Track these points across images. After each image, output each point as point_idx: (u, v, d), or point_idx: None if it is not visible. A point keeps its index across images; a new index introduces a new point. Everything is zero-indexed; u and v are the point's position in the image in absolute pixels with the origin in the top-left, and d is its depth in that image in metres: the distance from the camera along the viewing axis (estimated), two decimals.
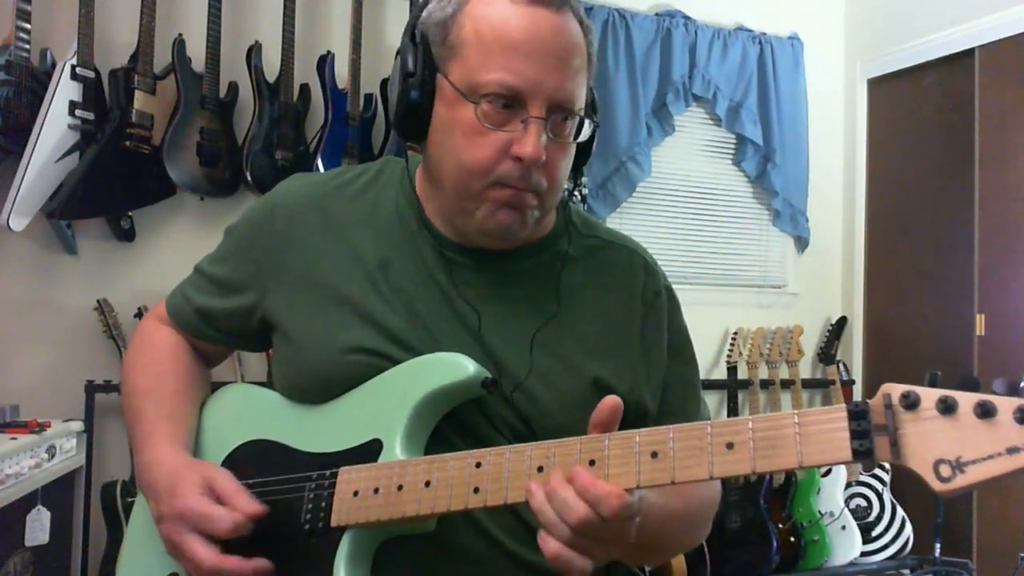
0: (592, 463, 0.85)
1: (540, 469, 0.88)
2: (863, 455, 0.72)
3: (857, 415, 0.73)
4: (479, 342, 1.06)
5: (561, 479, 0.84)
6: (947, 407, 0.69)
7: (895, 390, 0.72)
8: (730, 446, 0.79)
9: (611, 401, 0.87)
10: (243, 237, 1.18)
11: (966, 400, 0.69)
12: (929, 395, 0.71)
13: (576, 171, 1.11)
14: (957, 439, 0.69)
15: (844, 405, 0.74)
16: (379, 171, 1.18)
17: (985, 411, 0.67)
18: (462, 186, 1.02)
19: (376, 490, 0.95)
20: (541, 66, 0.99)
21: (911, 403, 0.71)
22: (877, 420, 0.73)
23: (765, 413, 3.95)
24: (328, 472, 1.01)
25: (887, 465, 3.70)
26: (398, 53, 1.06)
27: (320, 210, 1.13)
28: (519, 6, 0.99)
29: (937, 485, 0.69)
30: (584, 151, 1.10)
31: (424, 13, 1.05)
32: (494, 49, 0.99)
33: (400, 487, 0.94)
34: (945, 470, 0.68)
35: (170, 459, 1.07)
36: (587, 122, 1.05)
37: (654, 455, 0.83)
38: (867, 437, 0.72)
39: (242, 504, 0.99)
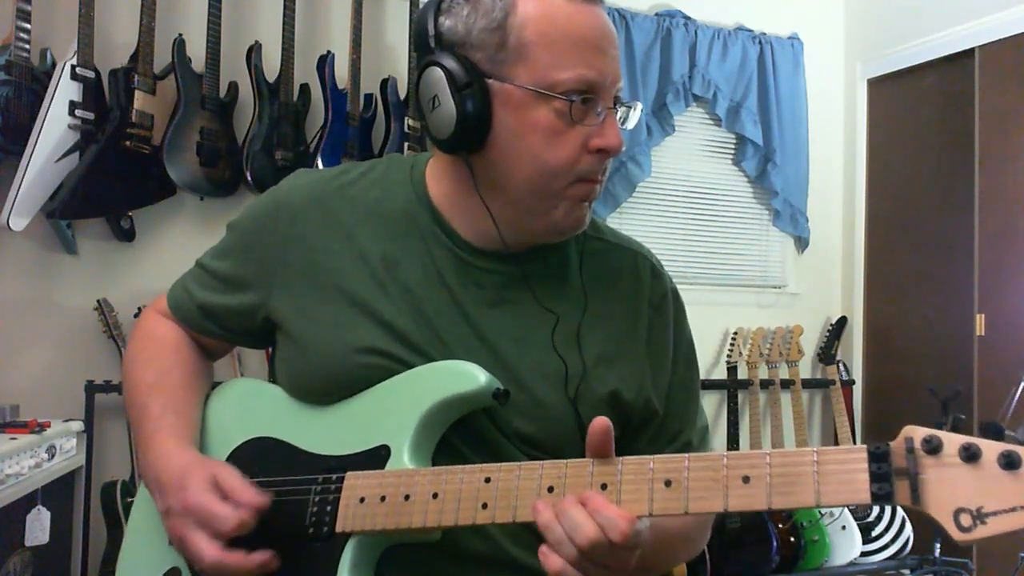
0: (604, 487, 0.84)
1: (551, 489, 0.86)
2: (882, 499, 0.71)
3: (877, 457, 0.72)
4: (486, 344, 1.04)
5: (574, 499, 0.83)
6: (970, 455, 0.67)
7: (917, 433, 0.70)
8: (746, 480, 0.78)
9: (601, 423, 0.86)
10: (246, 233, 1.15)
11: (990, 449, 0.67)
12: (952, 441, 0.69)
13: None
14: (979, 488, 0.67)
15: (864, 446, 0.73)
16: (385, 169, 1.15)
17: (1010, 462, 0.66)
18: (543, 187, 1.00)
19: (383, 498, 0.94)
20: (608, 58, 1.00)
21: (933, 448, 0.69)
22: (898, 463, 0.71)
23: (765, 413, 3.92)
24: (335, 476, 0.99)
25: None
26: (425, 67, 1.01)
27: (325, 208, 1.11)
28: (574, 4, 0.98)
29: (957, 534, 0.67)
30: None
31: (450, 22, 1.01)
32: (566, 47, 0.97)
33: (407, 497, 0.93)
34: (966, 519, 0.66)
35: (177, 454, 1.05)
36: (636, 109, 1.05)
37: (668, 483, 0.82)
38: (887, 480, 0.71)
39: (247, 497, 0.98)
